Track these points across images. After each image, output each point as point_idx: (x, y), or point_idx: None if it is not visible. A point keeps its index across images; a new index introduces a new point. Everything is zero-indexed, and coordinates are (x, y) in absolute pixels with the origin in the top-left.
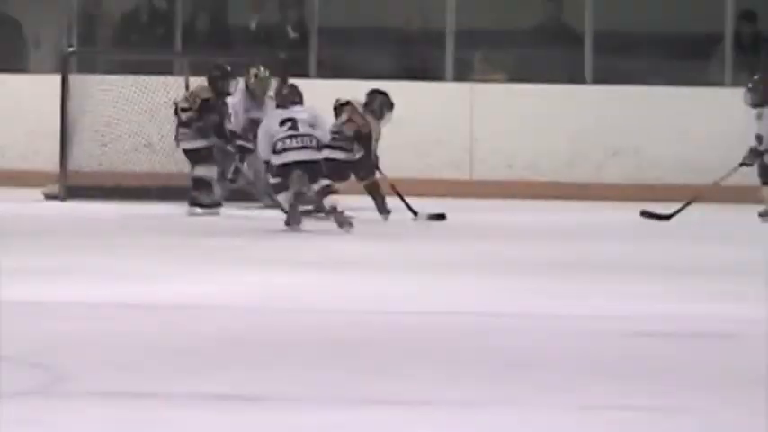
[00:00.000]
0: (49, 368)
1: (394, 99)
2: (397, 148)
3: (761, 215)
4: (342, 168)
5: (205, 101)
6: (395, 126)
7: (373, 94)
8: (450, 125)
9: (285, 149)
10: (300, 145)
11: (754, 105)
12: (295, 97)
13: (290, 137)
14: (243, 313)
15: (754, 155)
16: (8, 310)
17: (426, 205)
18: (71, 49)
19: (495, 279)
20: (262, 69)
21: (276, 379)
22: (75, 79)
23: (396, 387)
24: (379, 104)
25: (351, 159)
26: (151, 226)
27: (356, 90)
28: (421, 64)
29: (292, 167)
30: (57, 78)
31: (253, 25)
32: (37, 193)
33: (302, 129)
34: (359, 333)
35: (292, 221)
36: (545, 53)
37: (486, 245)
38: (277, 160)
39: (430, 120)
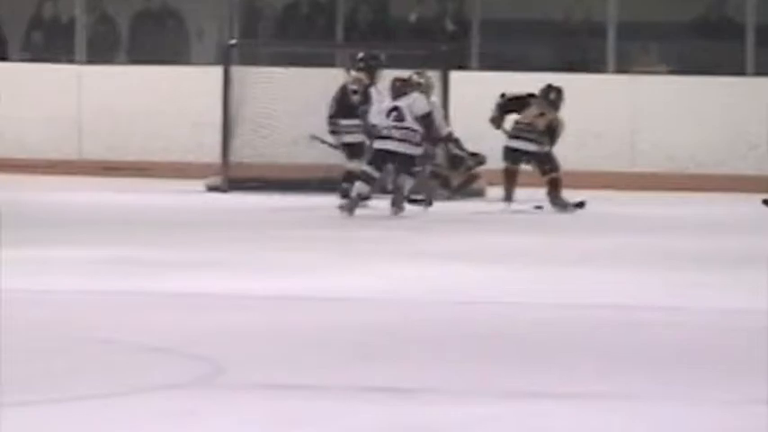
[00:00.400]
0: (209, 360)
1: None
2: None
3: None
4: (526, 159)
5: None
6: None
7: (552, 88)
8: (610, 117)
9: (389, 137)
10: (402, 137)
11: None
12: (407, 89)
13: (396, 127)
14: (398, 306)
15: None
16: (170, 302)
17: (587, 197)
18: (233, 42)
19: (642, 271)
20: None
21: (431, 371)
22: (237, 71)
23: (548, 379)
24: (560, 98)
25: (540, 152)
26: (308, 218)
27: (517, 82)
28: (582, 56)
29: (387, 157)
30: (219, 70)
31: (413, 17)
32: (200, 184)
33: (408, 118)
34: (512, 325)
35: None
36: (707, 45)
37: (636, 237)
38: (377, 144)
39: (590, 112)
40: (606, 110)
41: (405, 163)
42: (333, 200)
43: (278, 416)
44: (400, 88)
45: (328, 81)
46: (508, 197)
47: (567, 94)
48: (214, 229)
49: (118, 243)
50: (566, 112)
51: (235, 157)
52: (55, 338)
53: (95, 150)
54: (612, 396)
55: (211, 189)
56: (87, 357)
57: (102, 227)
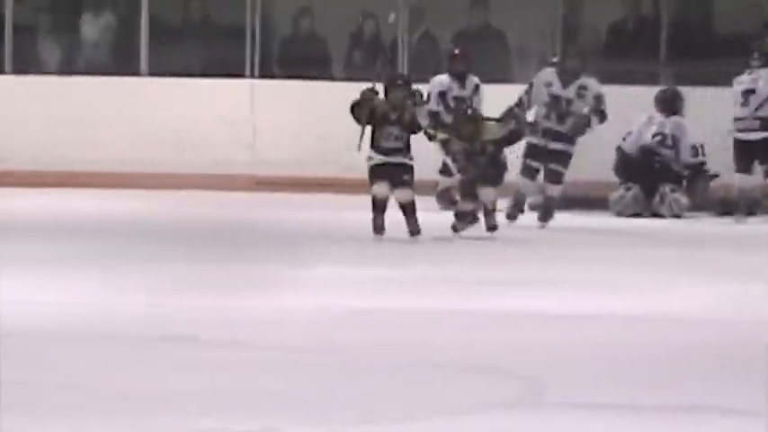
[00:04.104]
0: (531, 380)
1: None
2: None
3: None
4: None
5: None
6: None
7: None
8: None
9: None
10: None
11: None
12: None
13: None
14: (706, 325)
15: None
16: (493, 322)
17: None
18: (555, 60)
19: None
20: None
21: (743, 393)
22: None
23: None
24: None
25: None
26: (615, 237)
27: None
28: None
29: None
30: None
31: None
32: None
33: None
34: None
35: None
36: None
37: None
38: None
39: None
40: None
41: None
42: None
43: None
44: None
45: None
46: None
47: None
48: (529, 247)
49: (438, 263)
50: None
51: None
52: (380, 358)
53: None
54: None
55: (534, 208)
56: (412, 377)
57: (424, 245)
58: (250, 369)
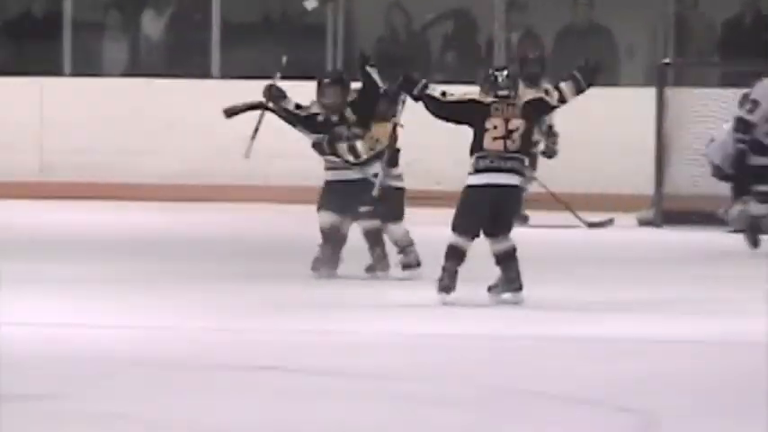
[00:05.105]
0: (639, 412)
1: None
2: None
3: None
4: None
5: None
6: None
7: None
8: None
9: None
10: None
11: None
12: None
13: None
14: None
15: None
16: (592, 348)
17: None
18: (666, 61)
19: None
20: None
21: None
22: (671, 93)
23: None
24: None
25: None
26: (739, 255)
27: None
28: None
29: None
30: (650, 92)
31: None
32: (631, 218)
33: None
34: None
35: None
36: None
37: None
38: None
39: None
40: None
41: None
42: None
43: None
44: None
45: None
46: None
47: None
48: (644, 267)
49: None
50: None
51: (669, 188)
52: (472, 387)
53: None
54: None
55: (643, 223)
56: (508, 408)
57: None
58: (304, 397)
